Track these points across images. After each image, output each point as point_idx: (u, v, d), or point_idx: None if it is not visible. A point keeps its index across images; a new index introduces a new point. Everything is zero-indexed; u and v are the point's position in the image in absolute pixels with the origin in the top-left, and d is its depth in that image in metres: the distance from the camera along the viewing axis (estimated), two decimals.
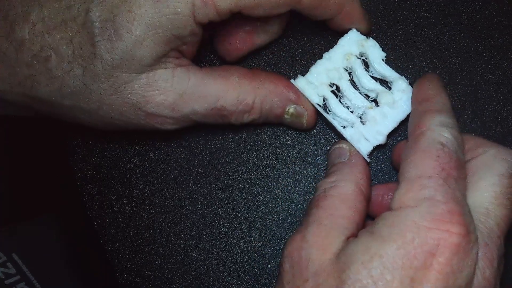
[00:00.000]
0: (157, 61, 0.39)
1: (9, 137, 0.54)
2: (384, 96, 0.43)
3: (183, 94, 0.40)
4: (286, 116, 0.44)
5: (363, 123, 0.43)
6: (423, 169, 0.36)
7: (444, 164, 0.35)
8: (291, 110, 0.43)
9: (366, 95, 0.44)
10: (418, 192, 0.35)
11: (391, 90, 0.43)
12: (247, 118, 0.43)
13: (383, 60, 0.43)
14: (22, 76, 0.38)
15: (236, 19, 0.43)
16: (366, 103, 0.43)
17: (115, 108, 0.39)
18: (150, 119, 0.40)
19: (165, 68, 0.39)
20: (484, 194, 0.37)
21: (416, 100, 0.41)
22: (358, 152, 0.42)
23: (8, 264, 0.51)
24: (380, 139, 0.43)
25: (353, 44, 0.44)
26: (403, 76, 0.43)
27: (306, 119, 0.44)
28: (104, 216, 0.47)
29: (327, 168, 0.43)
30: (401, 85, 0.43)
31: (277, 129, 0.46)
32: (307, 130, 0.46)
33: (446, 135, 0.37)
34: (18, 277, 0.51)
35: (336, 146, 0.43)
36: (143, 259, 0.46)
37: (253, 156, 0.46)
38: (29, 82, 0.38)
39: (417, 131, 0.38)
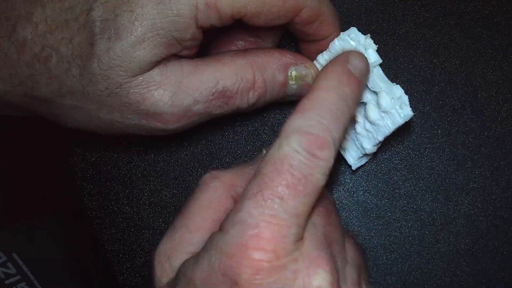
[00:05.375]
0: (154, 64, 0.38)
1: (9, 137, 0.54)
2: (368, 110, 0.41)
3: (180, 84, 0.39)
4: (291, 82, 0.42)
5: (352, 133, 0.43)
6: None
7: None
8: (294, 72, 0.42)
9: None
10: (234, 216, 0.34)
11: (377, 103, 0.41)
12: (252, 96, 0.41)
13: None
14: (23, 76, 0.38)
15: (231, 34, 0.43)
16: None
17: (115, 109, 0.39)
18: (151, 117, 0.39)
19: (158, 64, 0.39)
20: None
21: None
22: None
23: (9, 264, 0.51)
24: (366, 151, 0.42)
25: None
26: (395, 85, 0.40)
27: (312, 77, 0.42)
28: (104, 216, 0.47)
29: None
30: (383, 100, 0.40)
31: (277, 129, 0.46)
32: None
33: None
34: (19, 277, 0.51)
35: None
36: (143, 259, 0.46)
37: (253, 156, 0.46)
38: (30, 82, 0.38)
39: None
